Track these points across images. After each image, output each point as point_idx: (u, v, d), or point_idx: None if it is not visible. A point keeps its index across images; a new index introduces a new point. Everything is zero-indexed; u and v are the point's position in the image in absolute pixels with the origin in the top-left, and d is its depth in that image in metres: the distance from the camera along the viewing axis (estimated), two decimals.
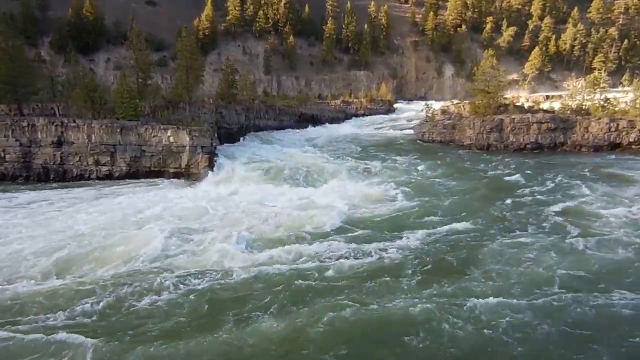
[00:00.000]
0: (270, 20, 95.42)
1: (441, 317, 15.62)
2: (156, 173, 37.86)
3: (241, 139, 52.00)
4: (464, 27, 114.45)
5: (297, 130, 62.47)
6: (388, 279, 18.63)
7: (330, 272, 19.09)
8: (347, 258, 20.60)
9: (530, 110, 53.16)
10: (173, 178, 37.22)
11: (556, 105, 56.95)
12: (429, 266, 19.85)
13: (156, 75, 60.46)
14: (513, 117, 48.06)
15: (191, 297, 17.22)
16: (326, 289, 17.70)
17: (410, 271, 19.33)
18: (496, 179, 35.59)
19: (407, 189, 32.08)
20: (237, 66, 77.15)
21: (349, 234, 23.59)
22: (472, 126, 49.22)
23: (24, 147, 37.87)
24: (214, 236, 22.95)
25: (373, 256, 20.79)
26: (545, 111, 52.08)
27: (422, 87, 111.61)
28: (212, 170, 36.78)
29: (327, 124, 69.48)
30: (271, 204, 28.99)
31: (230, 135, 50.04)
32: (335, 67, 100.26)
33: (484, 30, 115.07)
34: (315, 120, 69.64)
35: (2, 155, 37.84)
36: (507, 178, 35.63)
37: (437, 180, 35.31)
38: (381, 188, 32.52)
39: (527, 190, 31.78)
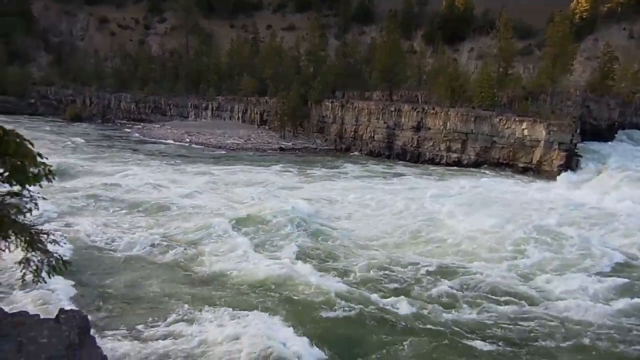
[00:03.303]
0: None
1: None
2: (504, 165, 36.30)
3: (611, 137, 44.01)
4: None
5: None
6: None
7: None
8: None
9: None
10: (521, 173, 34.80)
11: None
12: None
13: (518, 65, 57.79)
14: None
15: None
16: None
17: None
18: None
19: None
20: (619, 53, 65.52)
21: None
22: None
23: (389, 129, 42.78)
24: None
25: None
26: None
27: None
28: (569, 170, 32.41)
29: None
30: None
31: (596, 132, 43.05)
32: None
33: None
34: None
35: (373, 135, 43.89)
36: None
37: None
38: None
39: None
